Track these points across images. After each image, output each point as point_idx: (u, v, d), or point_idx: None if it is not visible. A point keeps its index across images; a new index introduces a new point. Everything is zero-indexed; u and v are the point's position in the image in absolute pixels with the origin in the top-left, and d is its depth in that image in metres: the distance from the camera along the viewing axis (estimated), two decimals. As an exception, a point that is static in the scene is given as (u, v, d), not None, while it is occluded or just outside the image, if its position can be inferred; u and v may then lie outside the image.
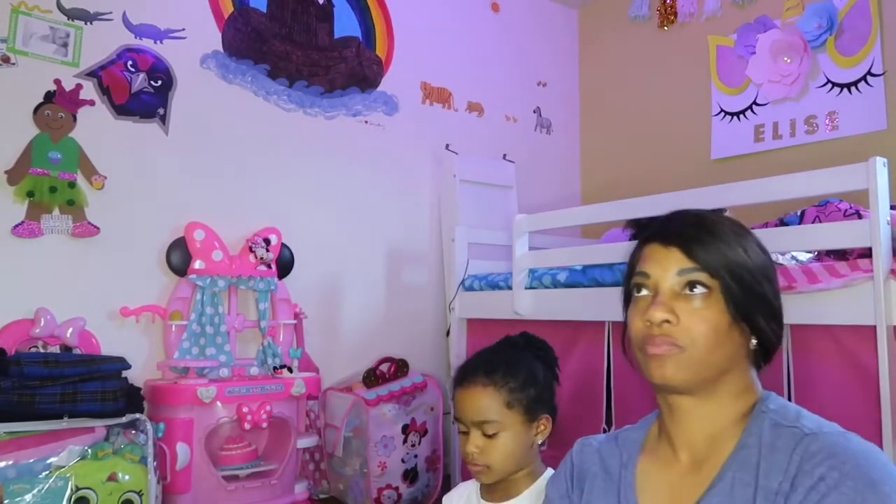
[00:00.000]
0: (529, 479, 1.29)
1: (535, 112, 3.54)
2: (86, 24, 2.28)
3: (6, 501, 1.62)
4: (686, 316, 0.84)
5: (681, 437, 0.89)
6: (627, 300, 0.94)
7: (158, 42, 2.42)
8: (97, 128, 2.26)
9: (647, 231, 0.94)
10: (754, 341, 0.87)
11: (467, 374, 1.29)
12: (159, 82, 2.40)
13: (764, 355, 0.90)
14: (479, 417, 1.24)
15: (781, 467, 0.76)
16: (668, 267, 0.87)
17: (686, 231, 0.89)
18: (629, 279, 0.93)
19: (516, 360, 1.30)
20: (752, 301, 0.85)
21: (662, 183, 2.71)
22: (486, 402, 1.24)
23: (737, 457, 0.82)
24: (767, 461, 0.78)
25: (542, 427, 1.29)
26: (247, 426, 2.16)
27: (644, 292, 0.89)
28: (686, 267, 0.85)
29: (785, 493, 0.74)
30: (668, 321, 0.84)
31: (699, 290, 0.84)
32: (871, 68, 2.56)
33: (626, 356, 0.93)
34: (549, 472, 1.31)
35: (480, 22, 3.36)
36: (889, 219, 1.54)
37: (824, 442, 0.75)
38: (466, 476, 1.45)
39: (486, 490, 1.32)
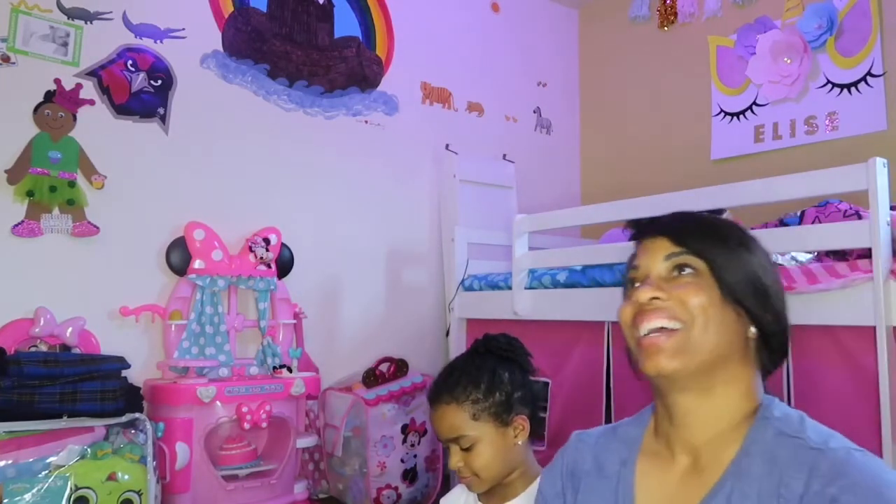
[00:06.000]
0: (525, 482, 1.29)
1: (535, 112, 3.54)
2: (86, 23, 2.28)
3: (6, 501, 1.62)
4: (676, 290, 0.83)
5: (679, 439, 0.86)
6: None
7: (158, 42, 2.42)
8: (97, 127, 2.26)
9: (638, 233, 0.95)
10: (753, 329, 0.84)
11: (433, 395, 1.34)
12: (159, 82, 2.40)
13: (770, 357, 0.87)
14: (450, 435, 1.28)
15: (785, 482, 0.74)
16: (655, 254, 0.87)
17: (674, 222, 0.90)
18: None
19: (477, 368, 1.32)
20: (743, 281, 0.83)
21: (662, 183, 2.71)
22: (453, 419, 1.27)
23: (738, 464, 0.79)
24: (771, 474, 0.75)
25: (520, 427, 1.30)
26: (246, 426, 2.16)
27: (636, 286, 0.88)
28: (673, 251, 0.85)
29: None
30: (657, 298, 0.83)
31: (688, 271, 0.84)
32: (871, 69, 2.56)
33: (630, 367, 0.90)
34: None
35: (480, 22, 3.36)
36: (889, 219, 1.54)
37: (833, 459, 0.72)
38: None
39: (484, 495, 1.33)
